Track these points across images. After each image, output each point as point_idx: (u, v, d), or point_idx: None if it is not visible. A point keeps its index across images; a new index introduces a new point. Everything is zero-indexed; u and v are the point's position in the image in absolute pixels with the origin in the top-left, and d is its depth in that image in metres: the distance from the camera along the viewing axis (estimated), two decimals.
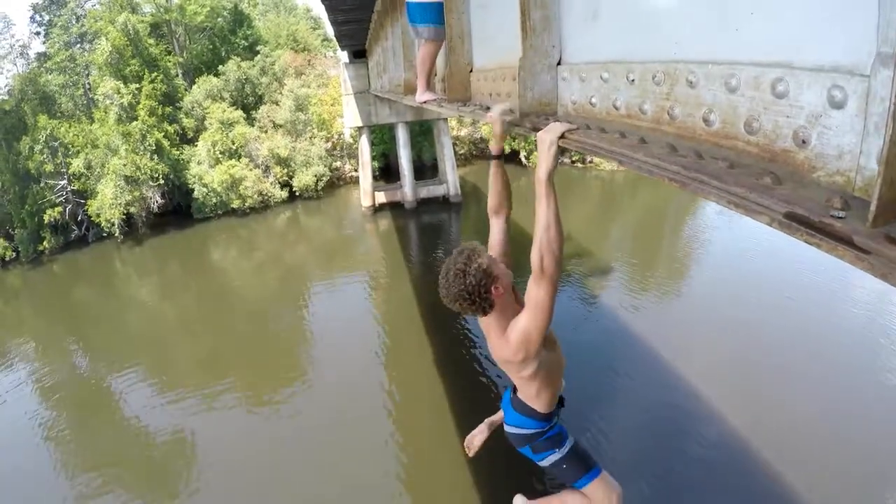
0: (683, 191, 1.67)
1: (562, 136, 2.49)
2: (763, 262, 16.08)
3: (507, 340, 2.95)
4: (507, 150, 33.38)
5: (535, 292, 2.74)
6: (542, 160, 2.57)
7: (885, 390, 10.34)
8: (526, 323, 2.84)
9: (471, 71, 4.93)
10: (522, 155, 33.63)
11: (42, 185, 28.66)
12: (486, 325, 3.10)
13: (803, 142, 1.46)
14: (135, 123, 28.19)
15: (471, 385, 11.44)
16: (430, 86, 5.66)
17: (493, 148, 3.26)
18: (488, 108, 3.79)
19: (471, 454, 4.15)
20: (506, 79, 3.72)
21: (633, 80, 2.18)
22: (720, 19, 1.77)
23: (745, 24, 1.68)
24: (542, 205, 2.58)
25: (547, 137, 2.54)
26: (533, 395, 3.25)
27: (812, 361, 11.21)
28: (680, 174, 1.65)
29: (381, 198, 28.00)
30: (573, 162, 32.47)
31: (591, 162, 31.67)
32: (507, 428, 3.51)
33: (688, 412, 10.17)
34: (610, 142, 2.10)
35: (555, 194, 2.59)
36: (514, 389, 3.42)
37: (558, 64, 2.96)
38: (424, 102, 5.86)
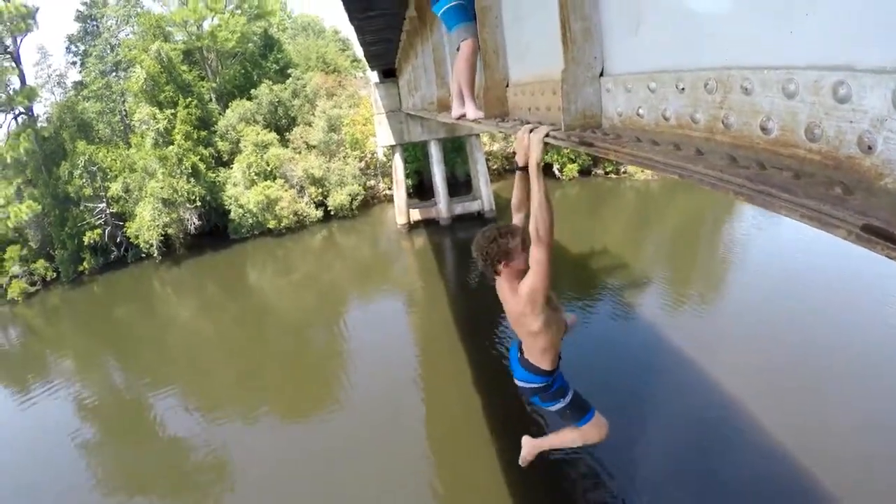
0: (751, 203, 1.61)
1: (546, 135, 3.22)
2: (804, 267, 15.74)
3: (519, 297, 3.61)
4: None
5: (536, 254, 3.38)
6: (533, 152, 3.36)
7: None
8: (532, 280, 3.48)
9: (507, 86, 4.90)
10: (556, 168, 33.50)
11: (81, 208, 29.53)
12: (501, 289, 3.84)
13: (869, 148, 1.39)
14: (171, 147, 28.86)
15: (509, 405, 11.33)
16: (473, 98, 5.52)
17: (520, 160, 3.75)
18: (528, 123, 3.77)
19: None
20: (545, 92, 3.68)
21: (682, 89, 2.11)
22: (774, 22, 1.70)
23: (800, 26, 1.61)
24: (535, 187, 3.31)
25: (535, 137, 3.31)
26: (538, 355, 3.89)
27: (855, 373, 10.90)
28: (746, 187, 1.58)
29: (415, 215, 28.10)
30: (607, 173, 32.27)
31: (625, 172, 31.45)
32: (518, 382, 4.17)
33: (726, 422, 9.96)
34: (665, 154, 2.03)
35: (543, 177, 3.32)
36: (520, 349, 4.07)
37: (601, 75, 2.91)
38: (460, 118, 5.81)
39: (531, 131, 3.55)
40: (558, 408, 4.11)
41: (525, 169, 3.77)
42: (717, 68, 1.93)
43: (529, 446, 4.77)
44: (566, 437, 4.32)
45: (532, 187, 3.35)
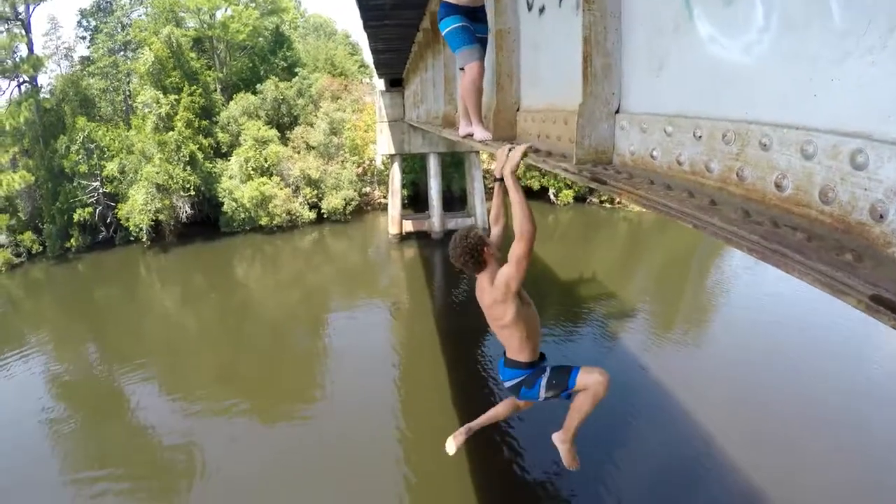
0: (764, 262, 1.62)
1: (524, 154, 3.76)
2: (791, 307, 15.81)
3: (494, 286, 3.91)
4: (538, 186, 33.39)
5: (517, 248, 3.71)
6: (510, 162, 3.78)
7: None
8: (508, 270, 3.81)
9: (518, 110, 4.91)
10: (551, 192, 33.61)
11: (75, 184, 29.26)
12: (480, 285, 4.09)
13: (880, 216, 1.41)
14: (171, 133, 28.71)
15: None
16: (480, 120, 5.50)
17: (497, 172, 4.10)
18: (538, 150, 3.81)
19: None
20: (556, 121, 3.70)
21: (699, 137, 2.12)
22: (799, 83, 1.72)
23: (824, 90, 1.63)
24: (513, 191, 3.72)
25: (514, 153, 3.78)
26: (517, 349, 4.16)
27: (835, 418, 10.96)
28: (760, 245, 1.59)
29: (408, 226, 28.10)
30: (602, 202, 32.34)
31: (619, 203, 31.52)
32: (505, 384, 4.36)
33: (700, 456, 10.01)
34: (679, 201, 2.03)
35: (518, 184, 3.78)
36: (504, 356, 4.29)
37: (617, 112, 2.93)
38: (467, 137, 5.80)
39: (510, 149, 4.00)
40: (544, 382, 4.19)
41: (503, 180, 4.13)
42: (737, 121, 1.95)
43: (562, 441, 4.48)
44: (581, 400, 4.15)
45: (510, 192, 3.76)
